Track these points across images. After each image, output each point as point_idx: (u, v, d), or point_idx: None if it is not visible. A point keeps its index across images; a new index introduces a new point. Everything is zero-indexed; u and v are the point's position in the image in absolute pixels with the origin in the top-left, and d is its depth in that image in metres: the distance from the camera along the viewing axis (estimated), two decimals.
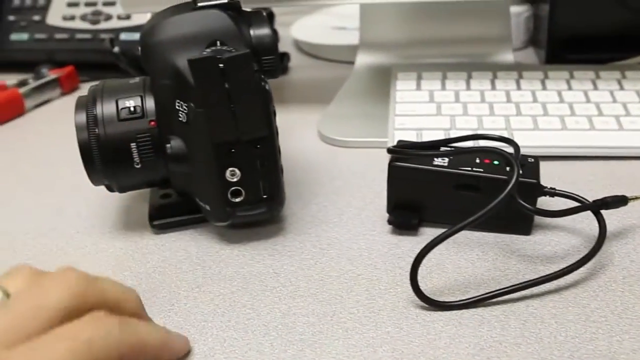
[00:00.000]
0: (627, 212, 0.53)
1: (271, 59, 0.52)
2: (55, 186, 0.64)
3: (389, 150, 0.52)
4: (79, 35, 0.85)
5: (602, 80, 0.70)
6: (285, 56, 0.85)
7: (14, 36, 0.88)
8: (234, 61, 0.46)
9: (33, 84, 0.81)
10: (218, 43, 0.51)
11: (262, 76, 0.50)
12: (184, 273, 0.51)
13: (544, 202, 0.53)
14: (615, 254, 0.50)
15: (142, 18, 0.84)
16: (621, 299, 0.46)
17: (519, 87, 0.70)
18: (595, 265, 0.49)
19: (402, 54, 0.79)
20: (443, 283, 0.48)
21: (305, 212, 0.57)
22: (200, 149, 0.50)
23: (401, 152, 0.51)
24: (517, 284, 0.46)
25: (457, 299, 0.46)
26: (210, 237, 0.55)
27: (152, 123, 0.52)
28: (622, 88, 0.69)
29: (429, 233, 0.53)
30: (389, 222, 0.53)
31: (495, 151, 0.49)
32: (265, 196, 0.52)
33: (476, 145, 0.53)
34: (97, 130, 0.51)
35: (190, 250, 0.53)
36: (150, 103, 0.52)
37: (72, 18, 0.86)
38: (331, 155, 0.65)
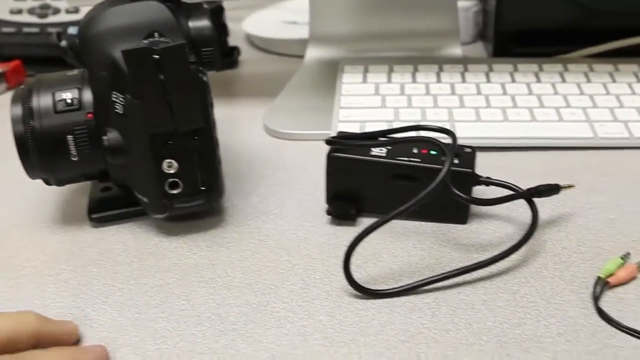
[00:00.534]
0: (561, 200, 0.54)
1: (210, 51, 0.52)
2: None
3: (327, 142, 0.52)
4: (27, 29, 0.84)
5: (545, 73, 0.71)
6: (235, 50, 0.85)
7: None
8: (169, 52, 0.46)
9: None
10: (156, 34, 0.50)
11: (201, 68, 0.50)
12: (120, 266, 0.51)
13: (480, 191, 0.53)
14: (548, 241, 0.50)
15: None
16: (551, 285, 0.46)
17: (463, 80, 0.70)
18: (528, 252, 0.49)
19: (351, 47, 0.80)
20: (378, 272, 0.48)
21: (246, 204, 0.57)
22: (137, 140, 0.49)
23: (338, 142, 0.52)
24: (449, 272, 0.46)
25: (391, 287, 0.46)
26: (149, 229, 0.54)
27: (89, 115, 0.51)
28: (564, 80, 0.69)
29: (367, 223, 0.53)
30: (328, 212, 0.53)
31: (429, 140, 0.50)
32: (203, 188, 0.52)
33: (411, 135, 0.53)
34: (32, 122, 0.51)
35: (129, 243, 0.53)
36: (87, 95, 0.52)
37: (20, 12, 0.85)
38: (276, 148, 0.65)
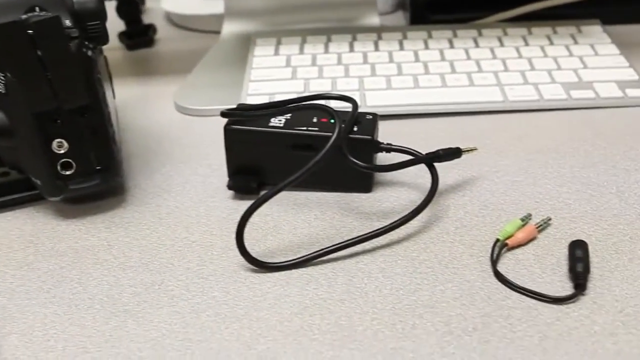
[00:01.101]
0: (468, 165, 0.54)
1: (96, 25, 0.50)
2: None
3: (222, 114, 0.51)
4: None
5: (459, 39, 0.70)
6: (150, 28, 0.82)
7: None
8: (42, 26, 0.44)
9: None
10: (37, 9, 0.48)
11: (87, 42, 0.48)
12: (14, 252, 0.49)
13: (388, 158, 0.52)
14: (451, 206, 0.50)
15: None
16: (450, 250, 0.46)
17: (376, 49, 0.69)
18: (430, 217, 0.48)
19: (268, 21, 0.78)
20: (277, 244, 0.47)
21: (150, 183, 0.55)
22: (21, 120, 0.47)
23: (234, 114, 0.50)
24: (346, 241, 0.45)
25: (288, 260, 0.45)
26: (47, 213, 0.52)
27: None
28: (477, 46, 0.69)
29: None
30: (229, 187, 0.52)
31: (319, 107, 0.48)
32: (99, 167, 0.50)
33: (303, 103, 0.52)
34: None
35: (25, 228, 0.51)
36: None
37: None
38: (185, 125, 0.64)
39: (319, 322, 0.41)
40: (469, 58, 0.67)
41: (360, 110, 0.59)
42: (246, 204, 0.51)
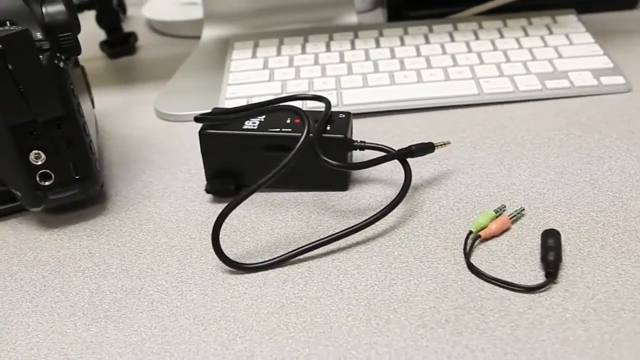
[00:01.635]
0: (444, 158, 0.54)
1: (68, 36, 0.50)
2: None
3: (196, 119, 0.51)
4: None
5: (435, 34, 0.71)
6: (131, 36, 0.83)
7: None
8: (11, 40, 0.44)
9: None
10: (8, 23, 0.49)
11: (59, 54, 0.48)
12: None
13: (363, 155, 0.53)
14: (426, 200, 0.50)
15: None
16: (425, 244, 0.46)
17: (353, 47, 0.70)
18: (405, 212, 0.49)
19: (247, 24, 0.79)
20: (255, 245, 0.48)
21: (130, 189, 0.56)
22: None
23: (207, 119, 0.51)
24: (322, 239, 0.46)
25: (265, 260, 0.46)
26: (30, 224, 0.53)
27: None
28: (453, 40, 0.69)
29: (249, 198, 0.53)
30: (206, 190, 0.52)
31: (288, 108, 0.49)
32: (77, 177, 0.51)
33: (273, 105, 0.53)
34: None
35: (8, 239, 0.52)
36: None
37: None
38: (165, 131, 0.64)
39: (295, 320, 0.41)
40: (444, 53, 0.67)
41: (337, 109, 0.59)
42: (224, 206, 0.52)
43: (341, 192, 0.52)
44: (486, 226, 0.46)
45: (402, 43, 0.69)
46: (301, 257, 0.46)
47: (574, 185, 0.50)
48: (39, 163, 0.49)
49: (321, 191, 0.52)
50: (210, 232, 0.49)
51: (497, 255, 0.45)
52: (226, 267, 0.46)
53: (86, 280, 0.47)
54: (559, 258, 0.43)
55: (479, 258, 0.45)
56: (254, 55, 0.70)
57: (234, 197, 0.45)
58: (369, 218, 0.46)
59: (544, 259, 0.43)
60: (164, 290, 0.45)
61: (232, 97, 0.63)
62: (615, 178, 0.51)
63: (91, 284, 0.46)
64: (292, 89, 0.64)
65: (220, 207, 0.52)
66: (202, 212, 0.52)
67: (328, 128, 0.50)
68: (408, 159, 0.50)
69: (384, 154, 0.50)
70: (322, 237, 0.47)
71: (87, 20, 0.86)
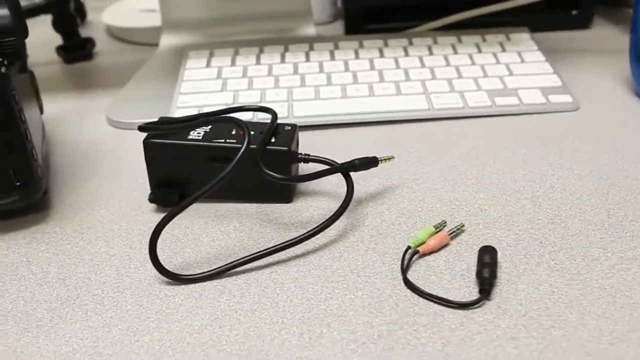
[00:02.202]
0: (390, 173, 0.55)
1: (10, 41, 0.50)
2: None
3: (140, 128, 0.51)
4: None
5: (390, 48, 0.71)
6: (88, 41, 0.82)
7: None
8: None
9: None
10: None
11: (1, 59, 0.48)
12: None
13: (310, 168, 0.53)
14: (369, 214, 0.50)
15: None
16: (363, 258, 0.46)
17: (307, 59, 0.70)
18: (347, 226, 0.49)
19: (205, 32, 0.79)
20: (195, 256, 0.48)
21: (74, 197, 0.55)
22: None
23: (151, 128, 0.51)
24: (261, 251, 0.46)
25: (203, 271, 0.45)
26: None
27: None
28: (407, 54, 0.70)
29: (192, 208, 0.53)
30: (150, 200, 0.52)
31: (231, 120, 0.49)
32: (18, 183, 0.50)
33: (215, 117, 0.53)
34: None
35: None
36: None
37: None
38: (116, 139, 0.64)
39: (228, 333, 0.41)
40: (398, 67, 0.68)
41: (287, 120, 0.60)
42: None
43: (285, 204, 0.52)
44: (425, 242, 0.46)
45: (357, 56, 0.70)
46: (240, 269, 0.46)
47: (515, 203, 0.51)
48: None
49: (265, 203, 0.52)
50: None
51: (434, 271, 0.45)
52: (164, 277, 0.45)
53: (21, 289, 0.46)
54: (493, 275, 0.43)
55: (416, 273, 0.45)
56: (208, 65, 0.70)
57: (172, 209, 0.45)
58: (309, 231, 0.46)
59: (478, 275, 0.43)
60: (100, 300, 0.44)
61: (183, 106, 0.63)
62: (556, 196, 0.51)
63: (26, 292, 0.46)
64: (244, 99, 0.63)
65: (162, 217, 0.52)
66: (144, 222, 0.51)
67: (273, 140, 0.50)
68: (351, 173, 0.50)
69: (328, 167, 0.50)
70: (262, 249, 0.47)
71: (44, 24, 0.85)
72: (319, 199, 0.52)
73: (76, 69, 0.80)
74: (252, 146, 0.48)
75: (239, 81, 0.66)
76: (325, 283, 0.44)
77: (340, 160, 0.54)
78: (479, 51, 0.70)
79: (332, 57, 0.70)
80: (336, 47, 0.72)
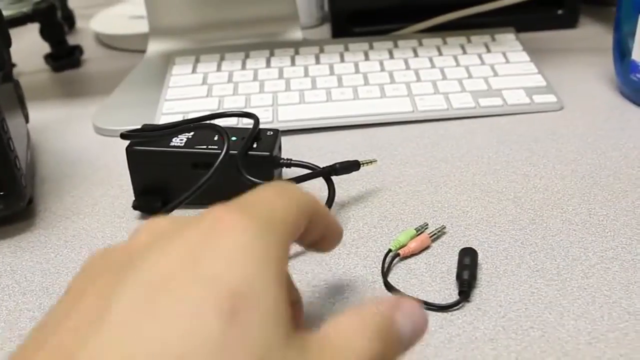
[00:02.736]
0: (373, 176, 0.55)
1: None
2: None
3: (122, 136, 0.51)
4: None
5: (375, 51, 0.71)
6: (77, 49, 0.83)
7: None
8: None
9: None
10: None
11: None
12: None
13: (294, 172, 0.53)
14: (351, 218, 0.50)
15: None
16: (345, 262, 0.46)
17: (293, 64, 0.70)
18: None
19: (192, 38, 0.79)
20: None
21: (60, 205, 0.55)
22: None
23: (132, 135, 0.51)
24: None
25: None
26: None
27: None
28: (392, 57, 0.70)
29: (175, 214, 0.53)
30: (134, 207, 0.52)
31: (211, 126, 0.49)
32: (2, 193, 0.50)
33: (197, 123, 0.53)
34: None
35: None
36: None
37: None
38: (102, 146, 0.64)
39: None
40: (383, 70, 0.68)
41: (272, 125, 0.60)
42: None
43: None
44: (406, 244, 0.46)
45: (342, 60, 0.70)
46: None
47: (497, 204, 0.51)
48: None
49: None
50: None
51: (415, 274, 0.45)
52: None
53: (5, 298, 0.46)
54: (473, 277, 0.43)
55: (397, 276, 0.45)
56: (194, 71, 0.70)
57: (155, 214, 0.45)
58: None
59: (458, 277, 0.43)
60: None
61: (169, 112, 0.63)
62: (538, 196, 0.51)
63: (10, 301, 0.46)
64: (230, 104, 0.64)
65: None
66: (128, 229, 0.52)
67: (255, 145, 0.50)
68: (333, 177, 0.50)
69: (310, 171, 0.51)
70: None
71: (32, 32, 0.85)
72: None
73: (64, 77, 0.80)
74: (233, 152, 0.48)
75: (224, 86, 0.67)
76: (307, 287, 0.44)
77: (324, 163, 0.54)
78: (464, 52, 0.70)
79: (318, 61, 0.70)
80: (322, 50, 0.72)
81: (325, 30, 0.86)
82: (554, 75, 0.69)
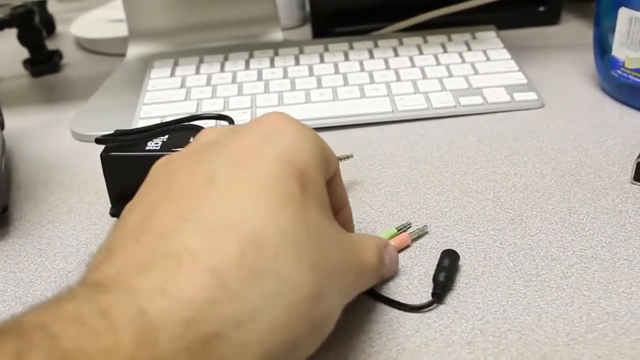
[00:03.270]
0: (352, 177, 0.54)
1: None
2: None
3: (97, 140, 0.50)
4: None
5: (355, 51, 0.71)
6: (56, 54, 0.82)
7: None
8: None
9: None
10: None
11: None
12: None
13: None
14: None
15: None
16: None
17: (272, 65, 0.69)
18: None
19: (171, 41, 0.78)
20: None
21: (35, 213, 0.55)
22: None
23: (108, 140, 0.50)
24: None
25: None
26: None
27: None
28: (372, 57, 0.69)
29: None
30: (111, 214, 0.52)
31: (188, 127, 0.49)
32: None
33: (176, 125, 0.52)
34: None
35: None
36: None
37: None
38: (80, 152, 0.63)
39: None
40: (362, 70, 0.67)
41: None
42: None
43: None
44: None
45: (322, 60, 0.69)
46: None
47: (477, 204, 0.50)
48: None
49: None
50: None
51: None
52: None
53: None
54: (449, 279, 0.43)
55: None
56: (172, 74, 0.69)
57: None
58: None
59: (434, 279, 0.43)
60: None
61: (146, 116, 0.63)
62: (518, 195, 0.51)
63: None
64: (208, 107, 0.63)
65: None
66: (104, 236, 0.51)
67: None
68: None
69: None
70: None
71: (9, 38, 0.84)
72: None
73: (43, 82, 0.80)
74: None
75: (202, 90, 0.66)
76: None
77: None
78: (445, 51, 0.70)
79: (297, 62, 0.69)
80: (301, 51, 0.71)
81: (307, 30, 0.86)
82: (535, 73, 0.69)
